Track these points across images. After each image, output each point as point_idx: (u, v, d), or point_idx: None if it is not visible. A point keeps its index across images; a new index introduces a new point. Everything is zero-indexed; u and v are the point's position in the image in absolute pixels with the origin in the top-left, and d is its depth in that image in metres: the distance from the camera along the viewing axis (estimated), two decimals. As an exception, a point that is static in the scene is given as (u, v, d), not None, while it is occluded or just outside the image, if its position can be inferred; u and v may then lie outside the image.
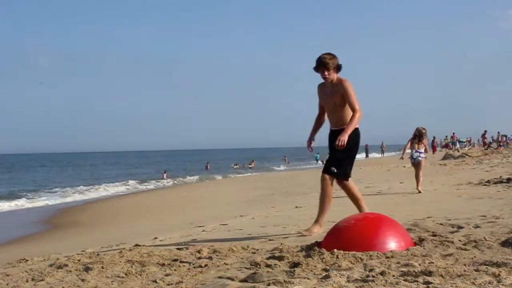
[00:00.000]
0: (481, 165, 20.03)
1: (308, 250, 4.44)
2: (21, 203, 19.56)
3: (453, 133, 47.53)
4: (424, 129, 11.76)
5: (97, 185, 27.57)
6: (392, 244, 4.24)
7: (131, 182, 30.14)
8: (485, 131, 43.13)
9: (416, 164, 11.60)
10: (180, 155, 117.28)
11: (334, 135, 5.69)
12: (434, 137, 51.99)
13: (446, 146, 47.08)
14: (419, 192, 10.93)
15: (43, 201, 20.55)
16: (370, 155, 60.36)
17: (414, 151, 11.76)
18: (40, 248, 8.25)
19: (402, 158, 12.93)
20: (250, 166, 48.27)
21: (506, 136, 49.33)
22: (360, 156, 49.79)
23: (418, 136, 11.66)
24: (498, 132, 48.03)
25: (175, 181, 31.79)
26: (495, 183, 11.63)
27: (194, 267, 4.27)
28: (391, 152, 67.81)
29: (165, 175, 37.31)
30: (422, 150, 11.70)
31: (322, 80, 5.73)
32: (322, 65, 5.62)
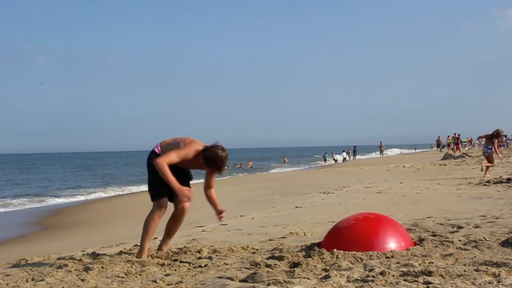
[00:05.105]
0: (481, 165, 20.01)
1: (308, 250, 4.44)
2: (21, 203, 19.54)
3: (454, 133, 47.51)
4: (502, 131, 15.13)
5: (103, 186, 27.18)
6: (392, 244, 4.25)
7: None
8: None
9: (486, 156, 14.91)
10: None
11: None
12: (438, 137, 51.95)
13: (450, 145, 47.03)
14: (484, 176, 13.90)
15: (43, 201, 20.52)
16: (369, 155, 60.41)
17: (485, 146, 15.21)
18: (40, 248, 8.24)
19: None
20: (249, 165, 48.13)
21: (506, 136, 49.26)
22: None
23: (493, 135, 14.76)
24: (498, 132, 47.95)
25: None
26: (495, 183, 11.66)
27: (194, 267, 4.27)
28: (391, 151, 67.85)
29: None
30: (491, 146, 14.79)
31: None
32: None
